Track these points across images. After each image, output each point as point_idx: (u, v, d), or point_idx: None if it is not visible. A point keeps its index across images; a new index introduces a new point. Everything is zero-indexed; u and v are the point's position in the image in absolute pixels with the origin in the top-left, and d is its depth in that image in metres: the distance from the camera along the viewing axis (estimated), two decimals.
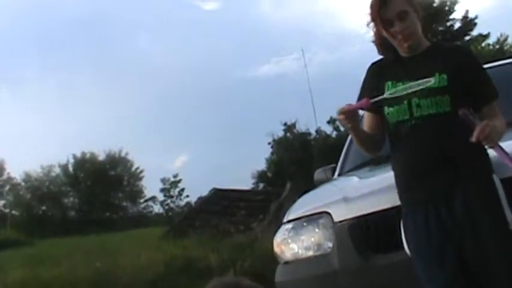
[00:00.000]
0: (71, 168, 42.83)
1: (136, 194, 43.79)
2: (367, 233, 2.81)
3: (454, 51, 2.60)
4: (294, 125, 30.47)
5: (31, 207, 40.76)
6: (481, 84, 2.52)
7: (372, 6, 2.51)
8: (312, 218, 3.01)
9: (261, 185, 31.58)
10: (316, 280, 2.96)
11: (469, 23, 29.36)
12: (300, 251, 3.02)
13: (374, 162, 3.63)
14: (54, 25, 53.11)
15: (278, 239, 3.12)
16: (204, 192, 18.77)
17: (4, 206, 42.63)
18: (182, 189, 36.84)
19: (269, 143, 31.17)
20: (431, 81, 2.42)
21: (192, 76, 50.10)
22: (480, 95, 2.52)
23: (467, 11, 29.34)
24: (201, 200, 18.64)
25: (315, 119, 29.79)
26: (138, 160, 43.00)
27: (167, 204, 37.19)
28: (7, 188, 43.30)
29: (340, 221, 2.88)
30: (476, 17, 29.46)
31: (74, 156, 42.55)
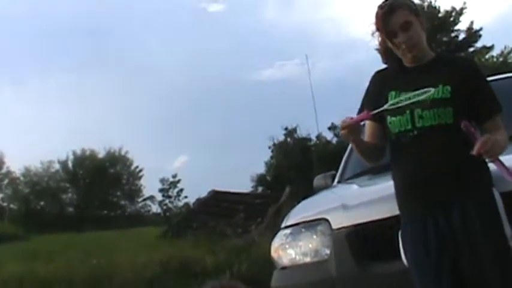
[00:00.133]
0: (70, 165, 42.83)
1: (134, 192, 43.76)
2: (365, 241, 2.81)
3: (458, 63, 2.61)
4: (294, 130, 30.48)
5: (29, 201, 40.73)
6: (484, 98, 2.52)
7: (376, 16, 2.52)
8: (310, 224, 3.01)
9: (260, 189, 31.57)
10: (312, 286, 2.95)
11: (473, 34, 29.36)
12: (297, 257, 3.02)
13: (374, 171, 3.64)
14: (57, 25, 53.11)
15: (276, 244, 3.12)
16: (203, 193, 18.78)
17: (2, 199, 42.62)
18: (181, 190, 36.78)
19: (269, 147, 31.19)
20: (431, 91, 2.42)
21: (194, 77, 50.13)
22: (483, 108, 2.52)
23: (472, 23, 29.36)
24: (200, 202, 18.63)
25: (317, 125, 29.78)
26: (138, 159, 42.99)
27: (165, 204, 37.12)
28: (6, 181, 43.28)
29: (338, 229, 2.88)
30: (481, 29, 29.47)
31: (74, 153, 42.55)
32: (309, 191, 4.31)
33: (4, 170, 43.36)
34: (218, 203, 16.40)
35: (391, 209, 2.61)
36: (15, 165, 42.74)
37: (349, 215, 2.89)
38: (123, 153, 43.22)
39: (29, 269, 9.92)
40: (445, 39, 28.77)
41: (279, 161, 30.28)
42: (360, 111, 2.66)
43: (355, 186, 3.55)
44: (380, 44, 2.59)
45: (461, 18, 29.37)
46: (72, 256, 11.14)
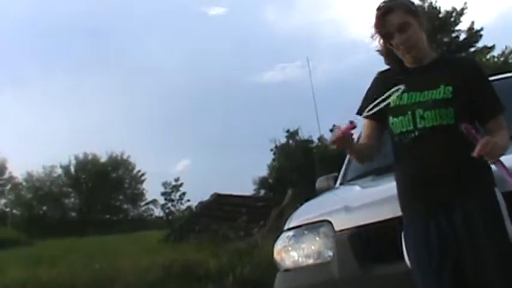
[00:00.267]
0: (72, 169, 42.89)
1: (137, 196, 43.84)
2: (368, 242, 2.81)
3: (460, 64, 2.60)
4: (296, 132, 30.54)
5: (32, 207, 40.82)
6: (487, 98, 2.52)
7: (374, 18, 2.53)
8: (312, 226, 3.01)
9: (262, 191, 31.61)
10: None
11: (474, 34, 29.38)
12: (300, 259, 3.02)
13: (376, 172, 3.63)
14: (59, 28, 53.23)
15: (278, 246, 3.12)
16: (205, 197, 18.79)
17: (5, 205, 42.69)
18: (183, 193, 36.93)
19: (271, 150, 31.22)
20: (399, 90, 2.43)
21: (196, 80, 50.19)
22: (486, 108, 2.52)
23: (472, 23, 29.39)
24: (202, 205, 18.64)
25: (318, 127, 29.83)
26: (140, 163, 43.05)
27: (168, 208, 37.26)
28: (8, 187, 43.36)
29: (341, 230, 2.87)
30: (481, 29, 29.51)
31: (76, 157, 42.64)
32: (311, 193, 4.30)
33: (6, 176, 43.48)
34: (221, 206, 16.42)
35: (393, 211, 2.60)
36: (18, 171, 42.85)
37: (352, 216, 2.89)
38: (125, 157, 43.29)
39: (32, 274, 9.93)
40: (445, 39, 28.78)
41: (281, 163, 30.32)
42: (360, 110, 2.66)
43: (357, 188, 3.54)
44: (381, 45, 2.59)
45: (462, 19, 29.43)
46: (75, 261, 11.15)
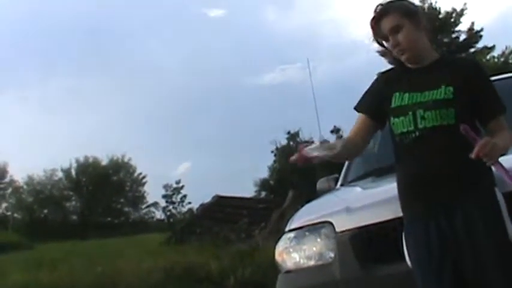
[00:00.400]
0: (73, 173, 42.92)
1: (138, 199, 43.87)
2: (369, 243, 2.81)
3: (461, 64, 2.60)
4: (297, 134, 30.57)
5: (33, 210, 40.85)
6: (488, 98, 2.51)
7: (370, 21, 2.56)
8: (314, 228, 3.00)
9: (263, 193, 31.63)
10: None
11: (474, 35, 29.41)
12: (301, 260, 3.02)
13: (377, 173, 3.64)
14: (60, 30, 53.29)
15: (280, 247, 3.12)
16: (206, 199, 18.80)
17: (6, 208, 42.73)
18: (184, 196, 36.95)
19: (272, 151, 31.24)
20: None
21: (196, 82, 50.21)
22: (487, 108, 2.51)
23: (472, 23, 29.43)
24: (203, 207, 18.66)
25: (319, 128, 29.75)
26: (141, 166, 43.07)
27: (169, 211, 37.27)
28: (9, 190, 43.40)
29: (342, 231, 2.87)
30: (481, 30, 29.55)
31: (77, 161, 42.66)
32: (312, 195, 4.30)
33: (7, 179, 43.53)
34: (222, 208, 16.43)
35: (394, 211, 2.60)
36: (19, 174, 42.88)
37: (353, 217, 2.89)
38: (126, 160, 43.31)
39: (33, 277, 9.94)
40: (445, 40, 28.80)
41: (282, 165, 30.32)
42: (358, 106, 2.67)
43: (358, 189, 3.54)
44: (380, 46, 2.61)
45: (461, 19, 29.47)
46: (76, 264, 11.16)
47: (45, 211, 41.65)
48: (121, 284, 8.92)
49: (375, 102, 2.61)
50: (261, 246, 10.38)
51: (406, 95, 2.49)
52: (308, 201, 3.63)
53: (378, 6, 2.55)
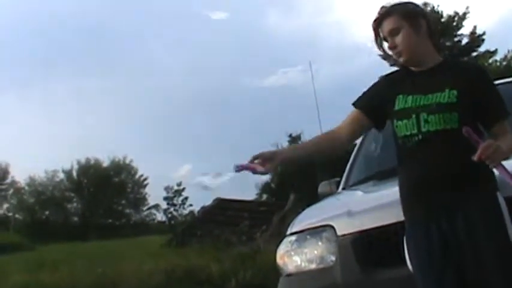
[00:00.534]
0: (74, 174, 42.91)
1: (139, 201, 43.85)
2: (370, 247, 2.80)
3: (465, 67, 2.60)
4: (299, 137, 30.54)
5: (34, 211, 40.84)
6: (491, 102, 2.51)
7: (372, 23, 2.58)
8: (315, 231, 3.00)
9: (265, 196, 31.60)
10: None
11: (476, 39, 29.36)
12: (302, 264, 3.02)
13: (378, 177, 3.63)
14: (62, 31, 53.35)
15: (281, 251, 3.12)
16: (208, 201, 18.79)
17: (7, 209, 42.74)
18: (186, 198, 36.87)
19: None
20: None
21: (198, 85, 50.22)
22: (491, 112, 2.51)
23: (475, 27, 29.39)
24: (204, 210, 18.65)
25: (321, 131, 29.65)
26: (142, 168, 43.05)
27: (170, 213, 37.17)
28: (11, 191, 43.42)
29: (344, 235, 2.87)
30: (484, 33, 29.49)
31: (78, 162, 42.67)
32: (314, 198, 4.30)
33: (9, 180, 43.55)
34: (223, 211, 16.42)
35: (396, 215, 2.60)
36: (20, 175, 42.89)
37: (354, 221, 2.88)
38: (127, 161, 43.31)
39: (34, 278, 9.94)
40: (448, 43, 28.76)
41: (283, 168, 30.24)
42: (355, 102, 2.68)
43: (360, 193, 3.54)
44: (382, 48, 2.62)
45: (464, 23, 29.42)
46: (77, 265, 11.15)
47: (47, 212, 41.66)
48: (122, 285, 8.92)
49: (374, 101, 2.62)
50: (262, 249, 10.37)
51: (410, 97, 2.49)
52: (309, 204, 3.63)
53: (381, 8, 2.56)
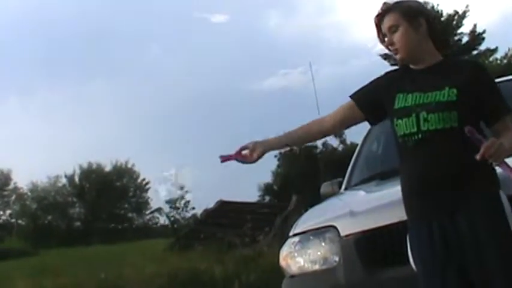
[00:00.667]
0: (77, 179, 42.93)
1: (142, 205, 43.85)
2: (374, 247, 2.80)
3: (465, 66, 2.59)
4: None
5: (37, 217, 40.84)
6: (492, 99, 2.51)
7: (374, 18, 2.61)
8: (318, 232, 3.00)
9: (267, 198, 31.60)
10: None
11: (477, 37, 29.36)
12: (306, 265, 3.01)
13: (381, 177, 3.63)
14: (64, 36, 53.39)
15: (284, 252, 3.12)
16: (210, 204, 18.77)
17: (10, 215, 42.78)
18: (188, 201, 36.84)
19: (275, 156, 31.17)
20: None
21: (199, 88, 50.25)
22: (492, 109, 2.50)
23: (475, 26, 29.38)
24: (207, 212, 18.63)
25: None
26: (144, 171, 43.06)
27: (173, 216, 37.14)
28: (13, 197, 43.45)
29: (347, 235, 2.87)
30: (484, 32, 29.47)
31: (81, 167, 42.67)
32: (316, 199, 4.29)
33: (11, 186, 43.58)
34: (225, 213, 16.40)
35: (398, 215, 2.60)
36: (22, 181, 42.92)
37: (357, 221, 2.88)
38: (129, 166, 43.33)
39: (37, 283, 9.93)
40: None
41: (286, 169, 30.31)
42: (352, 94, 2.71)
43: (362, 193, 3.54)
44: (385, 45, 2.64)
45: (464, 22, 29.41)
46: (80, 270, 11.15)
47: (49, 217, 41.65)
48: None
49: (369, 96, 2.66)
50: (265, 251, 10.37)
51: (410, 96, 2.49)
52: (312, 205, 3.63)
53: (383, 3, 2.59)
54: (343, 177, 4.34)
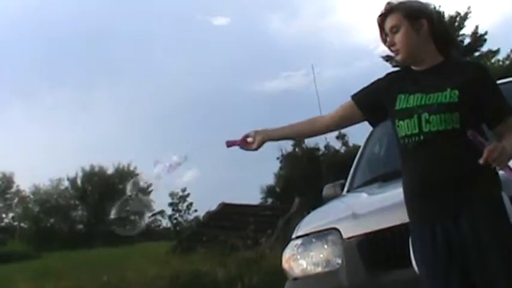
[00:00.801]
0: (79, 182, 42.95)
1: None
2: (376, 249, 2.80)
3: (467, 67, 2.58)
4: (302, 140, 30.46)
5: (39, 220, 40.86)
6: (495, 100, 2.49)
7: (377, 18, 2.61)
8: (320, 234, 3.00)
9: (270, 200, 31.58)
10: None
11: (478, 38, 29.33)
12: (308, 267, 3.01)
13: (383, 179, 3.62)
14: (64, 36, 53.45)
15: (287, 254, 3.11)
16: (213, 206, 18.77)
17: (13, 218, 42.81)
18: (190, 204, 36.87)
19: (278, 158, 31.19)
20: None
21: (201, 90, 50.30)
22: (494, 111, 2.49)
23: (477, 27, 29.36)
24: (209, 215, 18.63)
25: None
26: (147, 174, 42.97)
27: (175, 219, 37.19)
28: (16, 200, 43.49)
29: (349, 238, 2.87)
30: (486, 33, 29.46)
31: (83, 170, 42.70)
32: (319, 201, 4.29)
33: (14, 189, 43.61)
34: (228, 215, 16.40)
35: (401, 217, 2.59)
36: (25, 184, 42.94)
37: (360, 223, 2.88)
38: (131, 168, 43.32)
39: (40, 286, 9.94)
40: None
41: (288, 171, 30.28)
42: (353, 95, 2.71)
43: (364, 195, 3.53)
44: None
45: (466, 23, 29.38)
46: (83, 273, 11.15)
47: (52, 220, 41.68)
48: None
49: (370, 97, 2.66)
50: (267, 253, 10.36)
51: (411, 97, 2.49)
52: (314, 207, 3.63)
53: (386, 3, 2.59)
54: (346, 179, 4.33)
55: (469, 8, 29.43)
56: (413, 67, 2.57)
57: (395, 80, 2.61)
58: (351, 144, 28.20)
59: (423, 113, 2.43)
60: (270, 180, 32.55)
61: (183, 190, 37.02)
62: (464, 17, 29.35)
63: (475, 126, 2.36)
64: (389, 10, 2.56)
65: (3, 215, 43.63)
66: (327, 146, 29.16)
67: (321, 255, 2.97)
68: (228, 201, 17.89)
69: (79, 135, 50.31)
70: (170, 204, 37.25)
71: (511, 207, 2.37)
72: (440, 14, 28.36)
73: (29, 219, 40.92)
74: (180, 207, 37.13)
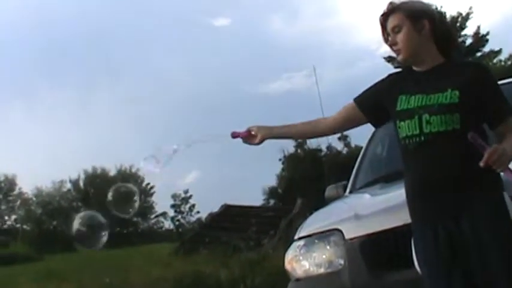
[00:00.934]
0: (81, 184, 42.99)
1: (146, 209, 43.87)
2: (378, 250, 2.80)
3: (468, 67, 2.58)
4: (304, 141, 30.47)
5: (42, 222, 40.90)
6: (496, 101, 2.49)
7: (379, 18, 2.62)
8: (323, 235, 3.00)
9: (272, 202, 31.59)
10: None
11: (480, 39, 29.29)
12: (311, 268, 3.01)
13: (385, 179, 3.62)
14: (68, 41, 53.49)
15: (289, 255, 3.11)
16: (215, 208, 18.76)
17: (15, 220, 42.84)
18: (193, 205, 36.94)
19: (280, 159, 31.20)
20: None
21: (202, 91, 50.31)
22: (495, 112, 2.49)
23: (478, 27, 29.31)
24: (212, 216, 18.61)
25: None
26: (149, 176, 43.07)
27: (178, 220, 37.25)
28: (18, 203, 43.53)
29: (352, 239, 2.87)
30: (487, 33, 29.41)
31: (85, 172, 42.74)
32: (321, 202, 4.29)
33: (16, 192, 43.66)
34: (230, 217, 16.40)
35: (403, 218, 2.59)
36: (27, 186, 42.98)
37: (362, 224, 2.88)
38: (134, 170, 43.35)
39: None
40: None
41: (290, 173, 30.29)
42: (356, 97, 2.71)
43: (367, 196, 3.53)
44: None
45: (467, 23, 29.34)
46: (86, 275, 11.15)
47: (54, 222, 41.71)
48: None
49: (372, 99, 2.66)
50: (270, 254, 10.36)
51: (412, 97, 2.49)
52: (317, 208, 3.63)
53: (389, 3, 2.59)
54: (348, 180, 4.33)
55: (470, 8, 29.42)
56: (414, 67, 2.57)
57: (397, 81, 2.61)
58: (353, 145, 28.24)
59: (424, 114, 2.43)
60: (272, 182, 32.61)
61: (186, 192, 37.12)
62: (466, 18, 29.31)
63: (475, 127, 2.37)
64: (391, 10, 2.56)
65: (6, 217, 43.73)
66: (329, 147, 29.17)
67: (324, 256, 2.97)
68: (230, 202, 17.88)
69: (80, 136, 50.37)
70: (172, 206, 37.35)
71: None
72: (442, 15, 28.39)
73: (32, 221, 40.96)
74: (182, 209, 37.21)
